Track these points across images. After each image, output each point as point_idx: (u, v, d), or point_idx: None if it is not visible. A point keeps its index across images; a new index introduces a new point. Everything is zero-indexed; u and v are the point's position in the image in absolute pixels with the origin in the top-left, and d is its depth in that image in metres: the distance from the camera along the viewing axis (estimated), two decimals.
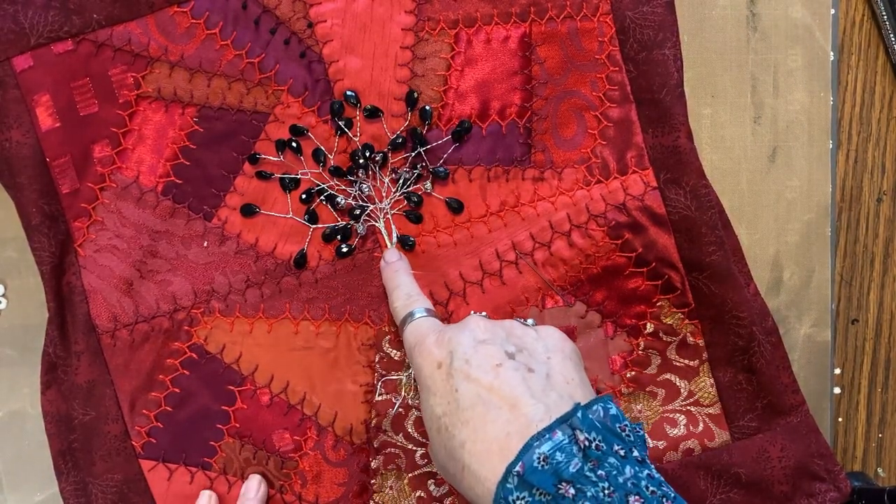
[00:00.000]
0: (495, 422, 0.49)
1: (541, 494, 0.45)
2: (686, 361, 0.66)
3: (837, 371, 0.72)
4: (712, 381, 0.66)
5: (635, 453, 0.48)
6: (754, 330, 0.65)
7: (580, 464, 0.46)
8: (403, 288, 0.62)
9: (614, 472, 0.46)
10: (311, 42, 0.66)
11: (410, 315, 0.60)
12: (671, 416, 0.66)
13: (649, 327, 0.66)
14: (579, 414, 0.48)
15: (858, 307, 0.72)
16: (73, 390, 0.66)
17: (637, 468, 0.47)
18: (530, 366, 0.52)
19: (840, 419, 0.72)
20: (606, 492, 0.45)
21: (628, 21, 0.65)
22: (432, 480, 0.66)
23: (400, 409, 0.66)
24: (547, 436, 0.47)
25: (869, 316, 0.72)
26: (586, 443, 0.46)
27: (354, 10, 0.66)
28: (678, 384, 0.66)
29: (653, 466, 0.48)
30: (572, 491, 0.45)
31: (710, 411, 0.66)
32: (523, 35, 0.66)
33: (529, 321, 0.59)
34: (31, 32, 0.64)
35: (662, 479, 0.48)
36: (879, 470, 0.73)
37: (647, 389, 0.66)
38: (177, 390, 0.66)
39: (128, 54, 0.66)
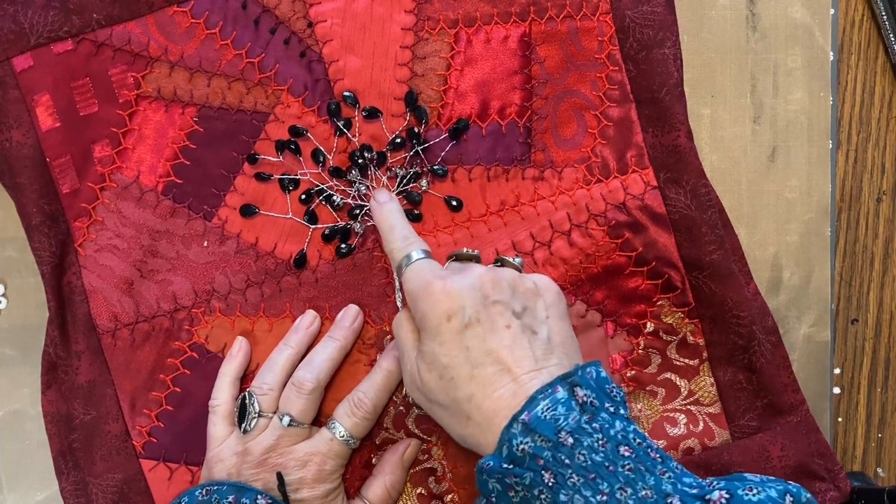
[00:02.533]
0: (503, 383, 0.53)
1: (542, 441, 0.50)
2: (686, 360, 0.66)
3: (837, 371, 0.72)
4: (712, 380, 0.66)
5: (622, 411, 0.52)
6: (754, 329, 0.65)
7: (578, 417, 0.50)
8: (398, 229, 0.62)
9: (606, 426, 0.50)
10: (311, 42, 0.66)
11: (408, 257, 0.59)
12: (671, 415, 0.66)
13: (649, 326, 0.66)
14: (579, 373, 0.52)
15: (858, 307, 0.72)
16: (74, 390, 0.66)
17: (625, 423, 0.51)
18: (533, 327, 0.55)
19: (840, 419, 0.72)
20: (600, 442, 0.50)
21: (628, 20, 0.65)
22: (433, 477, 0.66)
23: (401, 407, 0.66)
24: (550, 391, 0.51)
25: (869, 316, 0.72)
26: (584, 399, 0.51)
27: (354, 10, 0.66)
28: (678, 383, 0.66)
29: (635, 423, 0.53)
30: (571, 440, 0.50)
31: (711, 410, 0.66)
32: (523, 34, 0.66)
33: (517, 260, 0.59)
34: (31, 32, 0.64)
35: (646, 434, 0.53)
36: (879, 470, 0.73)
37: (648, 388, 0.66)
38: (178, 389, 0.66)
39: (128, 54, 0.66)
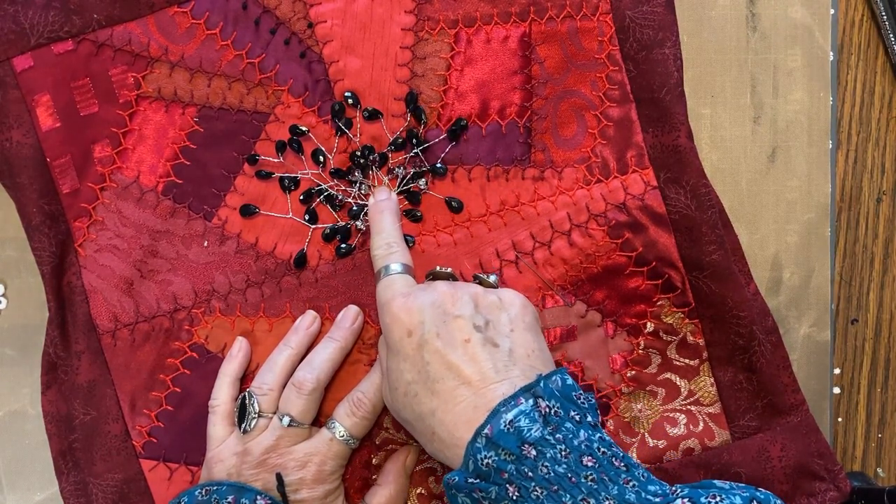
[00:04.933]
0: (464, 397, 0.53)
1: (506, 455, 0.50)
2: (686, 361, 0.66)
3: (837, 371, 0.72)
4: (712, 380, 0.66)
5: (589, 418, 0.52)
6: (754, 329, 0.65)
7: (541, 428, 0.50)
8: (385, 235, 0.63)
9: (570, 436, 0.51)
10: (312, 42, 0.66)
11: (386, 269, 0.61)
12: (671, 415, 0.66)
13: (649, 326, 0.66)
14: (541, 384, 0.52)
15: (858, 307, 0.72)
16: (74, 390, 0.66)
17: (590, 432, 0.51)
18: (495, 340, 0.55)
19: (840, 419, 0.72)
20: (563, 453, 0.50)
21: (628, 20, 0.65)
22: (433, 477, 0.66)
23: None
24: (513, 403, 0.51)
25: (868, 316, 0.72)
26: (547, 409, 0.51)
27: (354, 11, 0.66)
28: (678, 383, 0.66)
29: (603, 430, 0.53)
30: (534, 452, 0.50)
31: (711, 410, 0.66)
32: (523, 35, 0.66)
33: (492, 277, 0.60)
34: (31, 32, 0.65)
35: (612, 441, 0.52)
36: (879, 470, 0.73)
37: (648, 388, 0.66)
38: (178, 389, 0.66)
39: (128, 54, 0.66)
